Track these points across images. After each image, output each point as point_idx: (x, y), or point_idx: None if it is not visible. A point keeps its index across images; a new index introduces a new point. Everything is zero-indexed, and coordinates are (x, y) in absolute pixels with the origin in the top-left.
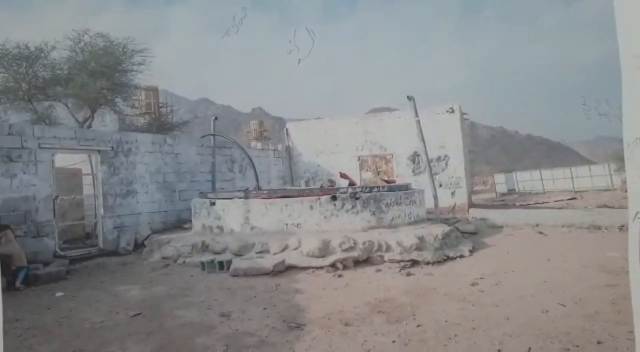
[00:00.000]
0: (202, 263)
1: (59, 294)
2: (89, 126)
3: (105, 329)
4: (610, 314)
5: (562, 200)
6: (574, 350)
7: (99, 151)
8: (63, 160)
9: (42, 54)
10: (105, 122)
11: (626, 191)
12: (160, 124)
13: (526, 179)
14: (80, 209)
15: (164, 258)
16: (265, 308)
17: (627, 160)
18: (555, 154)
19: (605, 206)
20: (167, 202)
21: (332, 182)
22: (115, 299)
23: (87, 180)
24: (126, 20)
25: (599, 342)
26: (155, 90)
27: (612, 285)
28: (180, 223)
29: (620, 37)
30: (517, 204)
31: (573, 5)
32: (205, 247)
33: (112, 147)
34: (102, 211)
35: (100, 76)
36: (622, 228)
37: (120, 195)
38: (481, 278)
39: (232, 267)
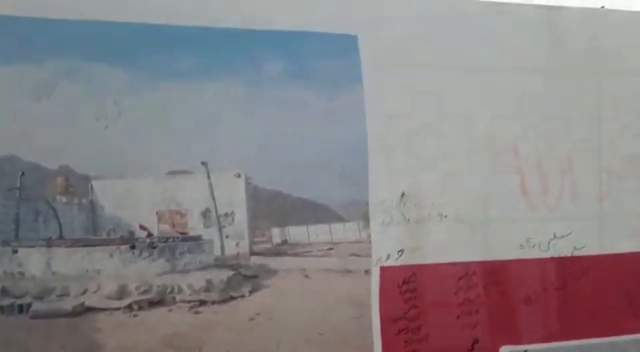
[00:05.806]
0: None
1: None
2: None
3: None
4: None
5: None
6: None
7: None
8: None
9: None
10: None
11: None
12: None
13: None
14: None
15: None
16: (63, 346)
17: None
18: None
19: None
20: None
21: (131, 233)
22: None
23: None
24: None
25: None
26: None
27: None
28: None
29: None
30: (289, 251)
31: None
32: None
33: None
34: None
35: None
36: None
37: None
38: (258, 314)
39: (31, 309)
